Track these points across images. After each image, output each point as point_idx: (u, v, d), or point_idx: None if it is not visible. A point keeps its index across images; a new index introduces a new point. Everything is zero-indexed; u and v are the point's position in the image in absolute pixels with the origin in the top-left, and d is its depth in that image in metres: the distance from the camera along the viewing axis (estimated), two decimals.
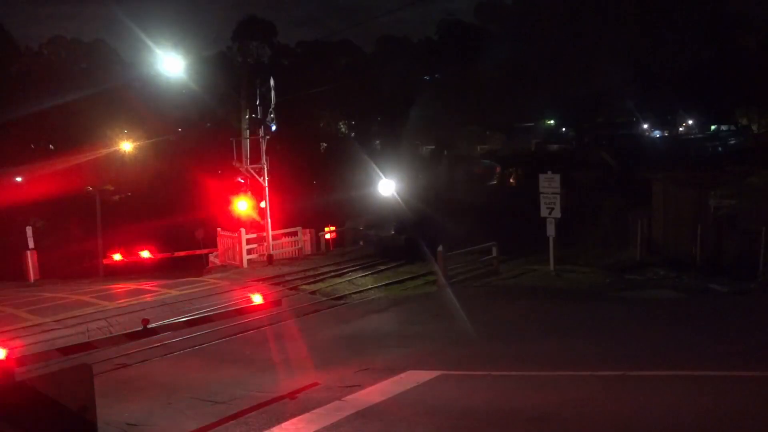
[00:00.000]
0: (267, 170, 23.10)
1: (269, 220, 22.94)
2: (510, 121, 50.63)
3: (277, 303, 11.88)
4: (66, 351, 7.71)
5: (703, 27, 39.16)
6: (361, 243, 24.53)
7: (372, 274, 19.42)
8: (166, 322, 12.64)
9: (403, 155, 36.24)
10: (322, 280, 18.80)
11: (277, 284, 18.81)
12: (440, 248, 16.17)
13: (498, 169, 25.31)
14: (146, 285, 19.73)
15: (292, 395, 7.94)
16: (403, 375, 8.37)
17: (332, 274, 19.75)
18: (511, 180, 25.30)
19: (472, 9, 56.28)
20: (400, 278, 18.11)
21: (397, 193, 23.67)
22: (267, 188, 23.05)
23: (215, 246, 24.67)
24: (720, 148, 42.69)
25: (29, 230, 25.33)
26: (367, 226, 23.86)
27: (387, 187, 23.66)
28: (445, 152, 30.31)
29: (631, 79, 38.30)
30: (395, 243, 21.44)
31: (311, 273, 20.11)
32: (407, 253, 20.63)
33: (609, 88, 38.94)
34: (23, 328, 13.96)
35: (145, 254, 25.45)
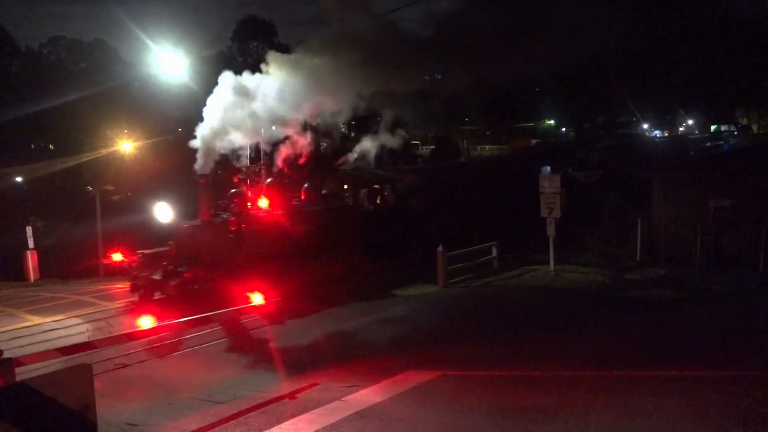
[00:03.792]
0: (266, 170, 23.04)
1: None
2: (510, 121, 50.65)
3: (277, 303, 11.88)
4: (66, 351, 7.69)
5: (703, 27, 39.19)
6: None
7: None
8: (165, 322, 12.65)
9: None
10: None
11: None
12: (440, 248, 16.15)
13: (346, 188, 19.00)
14: None
15: (292, 395, 7.95)
16: (403, 375, 8.37)
17: None
18: (378, 201, 19.68)
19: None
20: (400, 279, 18.05)
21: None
22: (266, 188, 22.98)
23: None
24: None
25: (29, 230, 25.32)
26: (139, 266, 16.27)
27: (163, 212, 16.68)
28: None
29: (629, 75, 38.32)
30: (165, 290, 14.89)
31: None
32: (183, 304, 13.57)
33: (608, 87, 38.96)
34: (23, 328, 13.96)
35: None
